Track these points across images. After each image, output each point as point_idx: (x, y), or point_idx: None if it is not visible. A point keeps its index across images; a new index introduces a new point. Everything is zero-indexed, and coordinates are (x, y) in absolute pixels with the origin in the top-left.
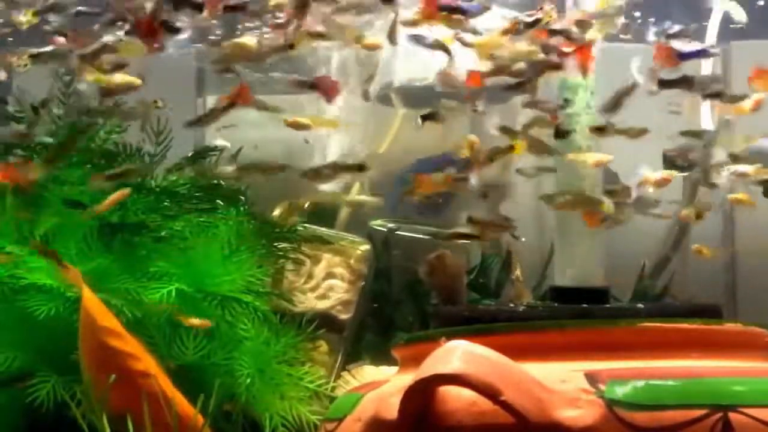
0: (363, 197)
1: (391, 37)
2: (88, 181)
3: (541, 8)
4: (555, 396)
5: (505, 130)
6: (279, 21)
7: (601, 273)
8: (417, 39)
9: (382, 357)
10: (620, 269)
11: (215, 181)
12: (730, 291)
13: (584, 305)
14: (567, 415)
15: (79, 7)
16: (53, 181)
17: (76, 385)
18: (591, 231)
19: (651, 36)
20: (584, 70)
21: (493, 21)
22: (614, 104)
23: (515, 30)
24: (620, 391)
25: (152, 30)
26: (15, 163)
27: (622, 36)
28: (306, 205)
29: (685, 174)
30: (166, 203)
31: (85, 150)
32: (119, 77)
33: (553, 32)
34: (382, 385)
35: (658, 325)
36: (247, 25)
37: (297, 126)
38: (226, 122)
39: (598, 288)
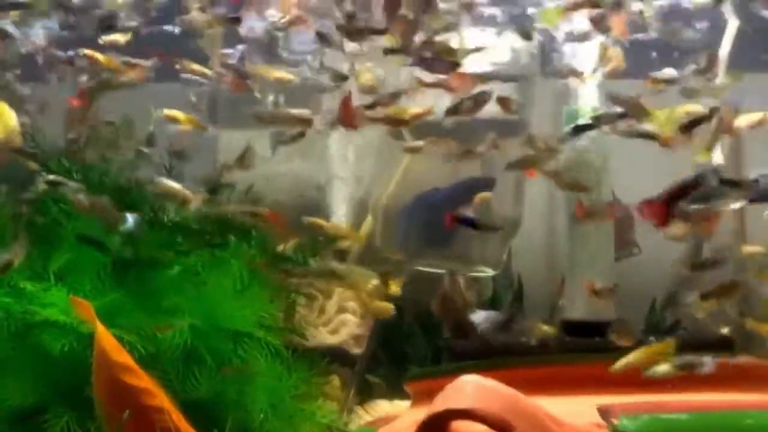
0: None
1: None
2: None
3: None
4: (567, 430)
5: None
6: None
7: (612, 305)
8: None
9: (394, 391)
10: (632, 301)
11: (227, 216)
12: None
13: (596, 339)
14: None
15: None
16: (66, 216)
17: (89, 420)
18: (602, 263)
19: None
20: None
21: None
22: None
23: None
24: (632, 425)
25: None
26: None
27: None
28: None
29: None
30: (178, 238)
31: (97, 185)
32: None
33: None
34: (395, 419)
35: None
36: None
37: None
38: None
39: (609, 321)
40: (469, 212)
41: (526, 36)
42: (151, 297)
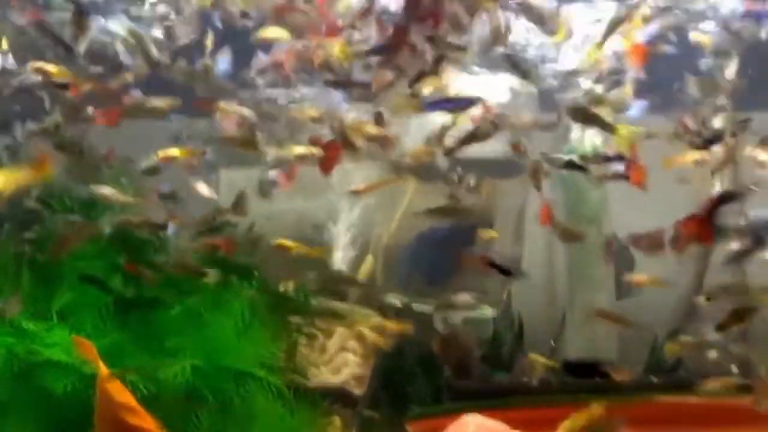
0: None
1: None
2: (103, 256)
3: None
4: None
5: None
6: None
7: (614, 345)
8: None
9: (396, 431)
10: (632, 341)
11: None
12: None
13: (597, 379)
14: None
15: None
16: (69, 256)
17: None
18: (602, 303)
19: None
20: None
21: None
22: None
23: None
24: None
25: None
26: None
27: None
28: None
29: None
30: (180, 278)
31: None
32: None
33: None
34: None
35: (673, 400)
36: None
37: None
38: None
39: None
40: (474, 250)
41: (524, 75)
42: (153, 337)
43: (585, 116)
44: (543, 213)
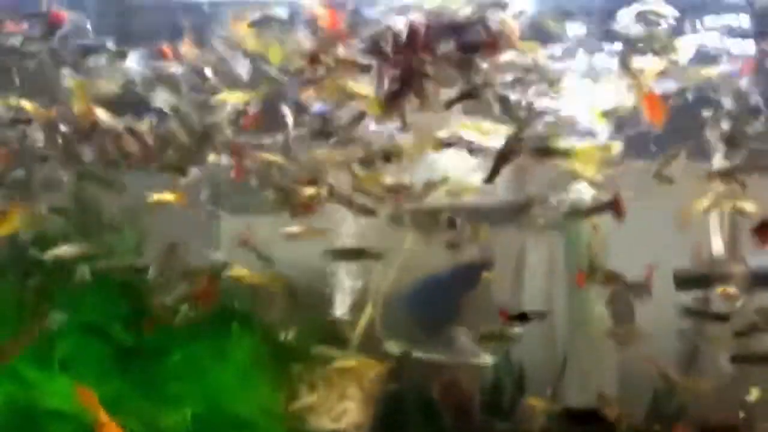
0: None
1: None
2: (105, 305)
3: None
4: None
5: None
6: None
7: (614, 393)
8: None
9: None
10: (633, 389)
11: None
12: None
13: (597, 427)
14: None
15: None
16: (71, 305)
17: None
18: (603, 350)
19: None
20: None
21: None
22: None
23: None
24: None
25: None
26: None
27: None
28: None
29: None
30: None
31: (102, 275)
32: None
33: None
34: None
35: None
36: None
37: None
38: None
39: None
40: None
41: (521, 123)
42: (154, 385)
43: (541, 152)
44: (579, 278)
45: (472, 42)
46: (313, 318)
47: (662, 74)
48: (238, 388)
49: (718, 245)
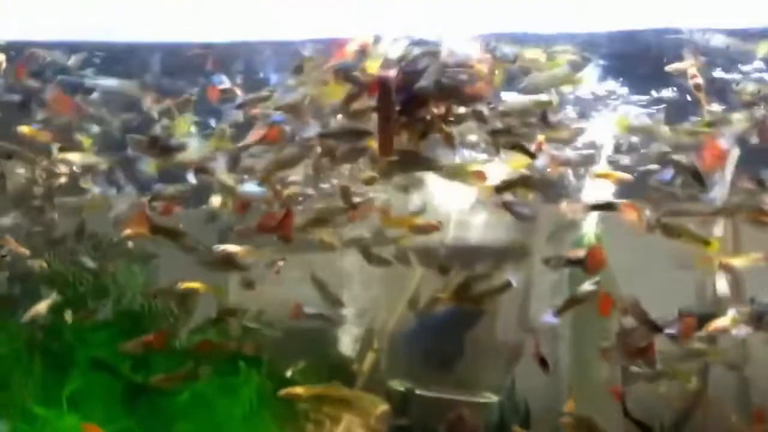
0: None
1: None
2: (114, 342)
3: None
4: None
5: None
6: None
7: (619, 429)
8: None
9: None
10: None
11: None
12: None
13: None
14: None
15: None
16: (80, 342)
17: None
18: (607, 385)
19: None
20: None
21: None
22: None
23: None
24: None
25: None
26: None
27: None
28: None
29: None
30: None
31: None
32: None
33: None
34: None
35: None
36: None
37: None
38: None
39: None
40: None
41: (531, 155)
42: (162, 422)
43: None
44: (603, 303)
45: (453, 86)
46: (319, 355)
47: None
48: (245, 426)
49: (722, 285)
